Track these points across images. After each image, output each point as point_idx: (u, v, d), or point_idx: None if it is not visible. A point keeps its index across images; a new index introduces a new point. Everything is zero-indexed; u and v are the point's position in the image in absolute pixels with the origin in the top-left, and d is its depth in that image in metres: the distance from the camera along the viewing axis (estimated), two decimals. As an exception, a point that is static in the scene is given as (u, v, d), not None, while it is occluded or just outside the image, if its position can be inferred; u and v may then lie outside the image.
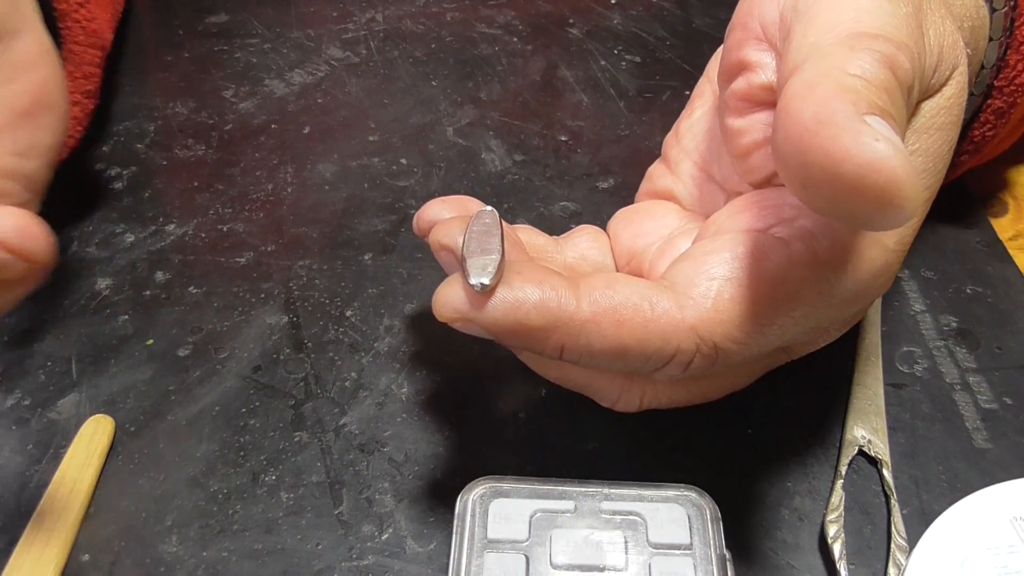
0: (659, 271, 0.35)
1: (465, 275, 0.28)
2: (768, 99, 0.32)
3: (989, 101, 0.41)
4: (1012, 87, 0.40)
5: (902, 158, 0.23)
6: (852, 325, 0.35)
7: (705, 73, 0.40)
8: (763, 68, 0.32)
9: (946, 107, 0.32)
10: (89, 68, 0.50)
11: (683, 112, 0.41)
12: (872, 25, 0.27)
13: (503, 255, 0.29)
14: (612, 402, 0.35)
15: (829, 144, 0.23)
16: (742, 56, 0.33)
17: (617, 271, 0.39)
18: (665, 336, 0.29)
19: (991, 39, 0.39)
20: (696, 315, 0.29)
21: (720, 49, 0.40)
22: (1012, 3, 0.38)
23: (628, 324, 0.29)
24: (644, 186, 0.41)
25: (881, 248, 0.30)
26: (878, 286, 0.32)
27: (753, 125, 0.33)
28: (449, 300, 0.28)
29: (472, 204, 0.36)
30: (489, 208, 0.32)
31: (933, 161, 0.31)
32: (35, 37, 0.36)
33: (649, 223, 0.38)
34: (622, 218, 0.40)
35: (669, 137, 0.41)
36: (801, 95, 0.25)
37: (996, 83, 0.40)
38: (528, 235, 0.38)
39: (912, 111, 0.30)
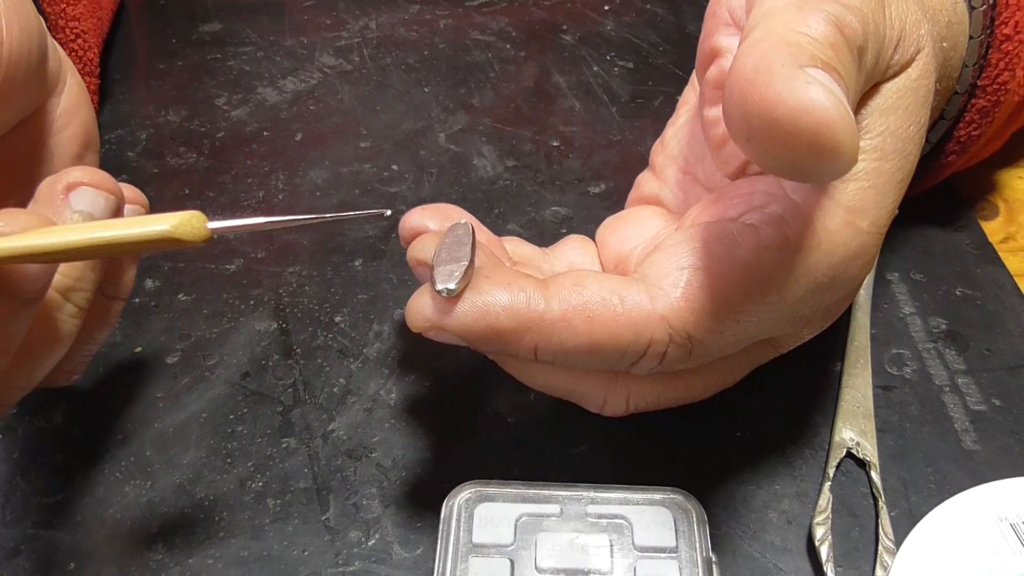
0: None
1: (432, 283, 0.28)
2: None
3: (973, 100, 0.41)
4: (995, 86, 0.40)
5: (834, 101, 0.23)
6: (837, 316, 0.34)
7: (691, 79, 0.40)
8: (733, 52, 0.32)
9: (912, 88, 0.32)
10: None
11: (670, 120, 0.41)
12: None
13: (472, 262, 0.29)
14: (599, 407, 0.35)
15: (764, 90, 0.24)
16: (713, 43, 0.33)
17: None
18: (637, 329, 0.29)
19: (971, 37, 0.39)
20: (666, 305, 0.29)
21: None
22: (991, 1, 0.38)
23: (599, 320, 0.29)
24: (633, 194, 0.41)
25: (854, 230, 0.30)
26: (855, 270, 0.31)
27: None
28: (420, 310, 0.28)
29: (454, 212, 0.36)
30: (464, 221, 0.32)
31: (902, 143, 0.31)
32: (75, 80, 0.36)
33: (634, 227, 0.38)
34: (609, 225, 0.40)
35: (656, 145, 0.41)
36: (745, 52, 0.26)
37: (979, 82, 0.40)
38: (515, 246, 0.38)
39: (872, 89, 0.31)
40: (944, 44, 0.36)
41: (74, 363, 0.35)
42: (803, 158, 0.24)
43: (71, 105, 0.35)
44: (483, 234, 0.36)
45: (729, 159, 0.33)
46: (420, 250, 0.32)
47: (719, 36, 0.33)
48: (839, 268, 0.31)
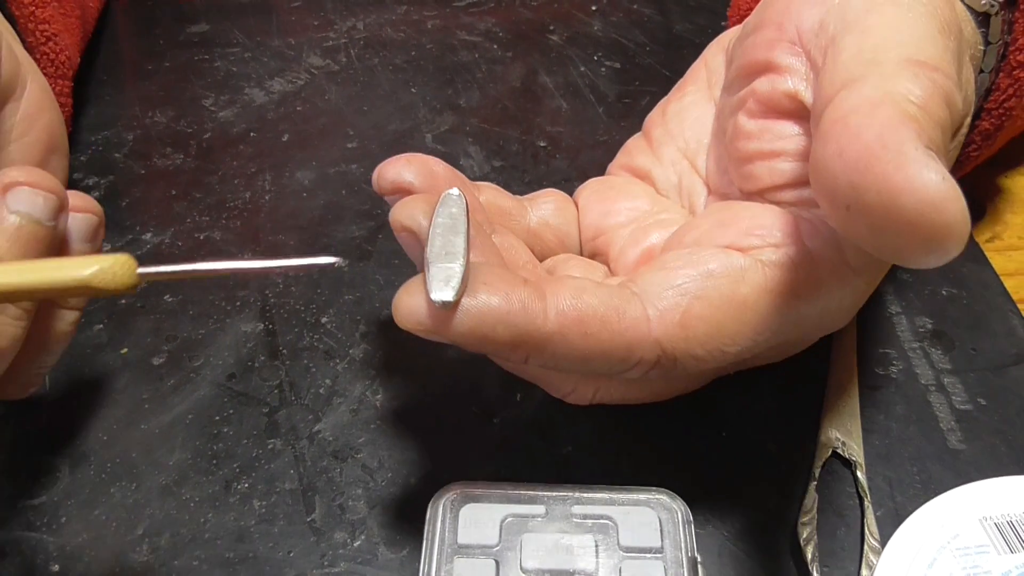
0: (628, 259, 0.35)
1: (427, 286, 0.27)
2: (789, 108, 0.32)
3: (977, 122, 0.41)
4: (1000, 110, 0.40)
5: (962, 203, 0.23)
6: (808, 345, 0.35)
7: (702, 59, 0.40)
8: (791, 73, 0.31)
9: (946, 157, 0.32)
10: (59, 99, 0.48)
11: (671, 93, 0.40)
12: (929, 56, 0.26)
13: (467, 259, 0.28)
14: (565, 395, 0.35)
15: (892, 172, 0.23)
16: (772, 56, 0.32)
17: (581, 243, 0.39)
18: (630, 347, 0.29)
19: (982, 71, 0.39)
20: (662, 330, 0.29)
21: (722, 36, 0.39)
22: (1006, 36, 0.38)
23: (595, 336, 0.28)
24: (621, 159, 0.41)
25: (853, 287, 0.31)
26: (841, 318, 0.32)
27: (764, 132, 0.33)
28: (412, 313, 0.27)
29: (437, 167, 0.35)
30: (456, 192, 0.30)
31: None
32: (37, 84, 0.35)
33: (621, 202, 0.38)
34: (593, 190, 0.40)
35: (654, 115, 0.40)
36: (865, 112, 0.24)
37: (985, 105, 0.40)
38: (493, 196, 0.38)
39: None
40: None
41: (29, 375, 0.34)
42: (910, 247, 0.23)
43: (32, 110, 0.34)
44: (466, 196, 0.36)
45: (753, 177, 0.33)
46: (408, 216, 0.30)
47: (780, 52, 0.32)
48: (829, 318, 0.32)
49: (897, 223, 0.23)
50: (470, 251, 0.29)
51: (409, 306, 0.28)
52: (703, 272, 0.30)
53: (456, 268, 0.28)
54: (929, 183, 0.22)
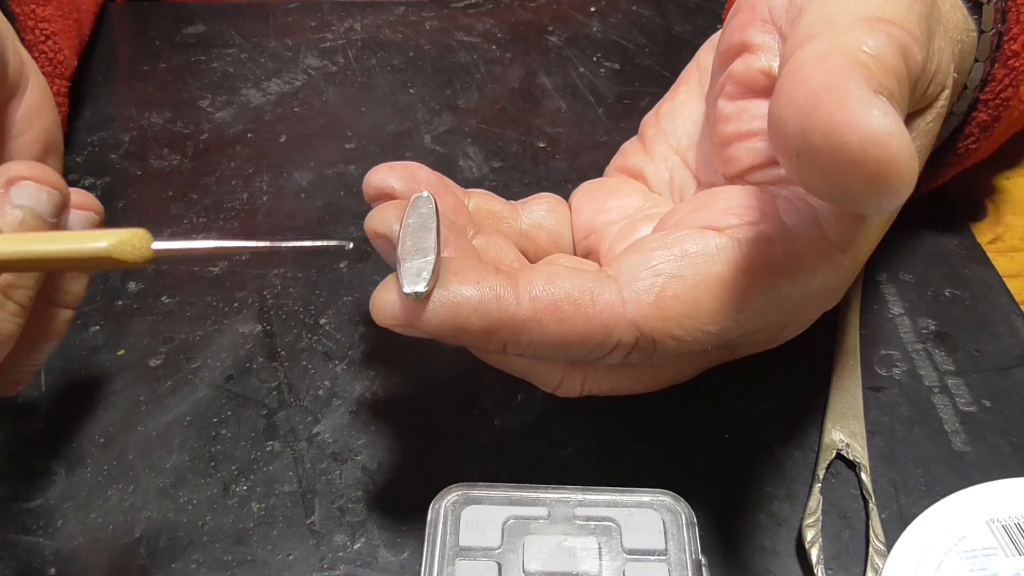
0: (617, 253, 0.35)
1: (399, 281, 0.28)
2: (764, 86, 0.32)
3: (974, 114, 0.41)
4: (997, 101, 0.40)
5: (906, 139, 0.23)
6: (801, 331, 0.35)
7: (695, 59, 0.40)
8: (765, 51, 0.32)
9: (925, 131, 0.31)
10: (56, 99, 0.48)
11: (666, 95, 0.40)
12: (890, 13, 0.26)
13: (439, 254, 0.28)
14: (553, 388, 0.35)
15: (836, 111, 0.23)
16: (746, 37, 0.32)
17: (574, 244, 0.39)
18: (607, 330, 0.29)
19: (976, 60, 0.39)
20: (637, 310, 0.29)
21: (713, 36, 0.39)
22: (1000, 25, 0.38)
23: (570, 320, 0.29)
24: (616, 161, 0.41)
25: (835, 264, 0.30)
26: (828, 298, 0.32)
27: (742, 114, 0.33)
28: (387, 308, 0.28)
29: (420, 172, 0.36)
30: (425, 194, 0.31)
31: None
32: (38, 82, 0.35)
33: (613, 201, 0.38)
34: (586, 191, 0.40)
35: (649, 116, 0.40)
36: (812, 62, 0.24)
37: (982, 96, 0.40)
38: (484, 200, 0.38)
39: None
40: (955, 75, 0.36)
41: (20, 372, 0.33)
42: (858, 187, 0.23)
43: (32, 108, 0.34)
44: (449, 197, 0.36)
45: (732, 159, 0.33)
46: (380, 223, 0.31)
47: (753, 31, 0.32)
48: (813, 297, 0.31)
49: (843, 162, 0.23)
50: (443, 248, 0.30)
51: (384, 301, 0.28)
52: (678, 252, 0.30)
53: (427, 262, 0.28)
54: (872, 119, 0.22)
